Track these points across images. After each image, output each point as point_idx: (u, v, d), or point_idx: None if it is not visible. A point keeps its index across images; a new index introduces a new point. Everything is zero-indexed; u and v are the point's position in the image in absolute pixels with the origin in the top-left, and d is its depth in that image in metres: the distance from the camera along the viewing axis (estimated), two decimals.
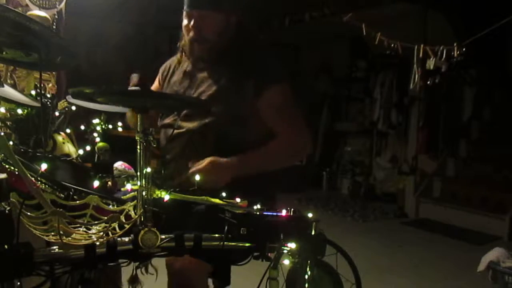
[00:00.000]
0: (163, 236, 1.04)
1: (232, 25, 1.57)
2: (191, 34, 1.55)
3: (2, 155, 1.00)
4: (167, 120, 1.65)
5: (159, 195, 1.16)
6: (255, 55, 1.59)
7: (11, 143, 1.40)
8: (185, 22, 1.57)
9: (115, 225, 1.00)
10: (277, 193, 1.67)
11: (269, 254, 1.15)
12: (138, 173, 1.06)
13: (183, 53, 1.68)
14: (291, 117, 1.58)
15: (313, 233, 1.17)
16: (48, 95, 1.78)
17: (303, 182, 6.28)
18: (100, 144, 1.68)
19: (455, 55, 2.76)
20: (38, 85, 1.76)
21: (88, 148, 1.63)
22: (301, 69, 6.84)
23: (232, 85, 1.54)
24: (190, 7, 1.54)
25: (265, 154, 1.53)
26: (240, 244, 1.13)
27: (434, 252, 3.93)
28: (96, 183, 1.19)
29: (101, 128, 1.80)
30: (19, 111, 1.56)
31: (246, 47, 1.58)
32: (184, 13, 1.57)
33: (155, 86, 1.82)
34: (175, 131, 1.59)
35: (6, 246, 0.87)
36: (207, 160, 1.44)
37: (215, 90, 1.55)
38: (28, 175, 0.92)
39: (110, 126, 1.84)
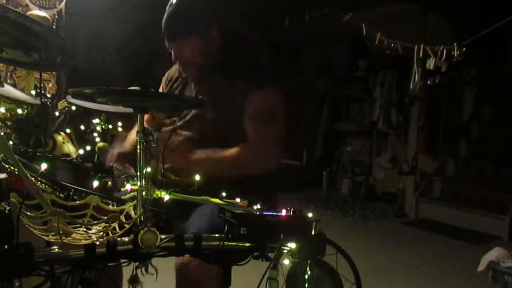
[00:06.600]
0: (163, 236, 1.04)
1: (213, 41, 1.57)
2: (176, 62, 1.61)
3: (2, 155, 1.00)
4: (165, 127, 1.69)
5: (159, 195, 1.16)
6: (245, 60, 1.60)
7: (11, 143, 1.41)
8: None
9: (115, 225, 1.00)
10: (277, 193, 1.68)
11: (269, 254, 1.15)
12: (138, 173, 1.06)
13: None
14: (263, 125, 1.54)
15: (313, 233, 1.17)
16: (48, 95, 1.78)
17: (303, 182, 6.28)
18: (100, 144, 1.68)
19: (455, 55, 2.77)
20: (38, 85, 1.76)
21: (88, 148, 1.63)
22: (301, 69, 6.84)
23: (225, 92, 1.56)
24: (167, 40, 1.56)
25: (224, 159, 1.52)
26: (240, 244, 1.13)
27: (434, 252, 3.93)
28: (96, 183, 1.19)
29: (101, 128, 1.80)
30: (19, 111, 1.56)
31: (235, 54, 1.59)
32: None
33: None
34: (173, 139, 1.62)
35: (6, 246, 0.87)
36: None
37: (210, 98, 1.55)
38: (28, 175, 0.92)
39: (110, 126, 1.84)
